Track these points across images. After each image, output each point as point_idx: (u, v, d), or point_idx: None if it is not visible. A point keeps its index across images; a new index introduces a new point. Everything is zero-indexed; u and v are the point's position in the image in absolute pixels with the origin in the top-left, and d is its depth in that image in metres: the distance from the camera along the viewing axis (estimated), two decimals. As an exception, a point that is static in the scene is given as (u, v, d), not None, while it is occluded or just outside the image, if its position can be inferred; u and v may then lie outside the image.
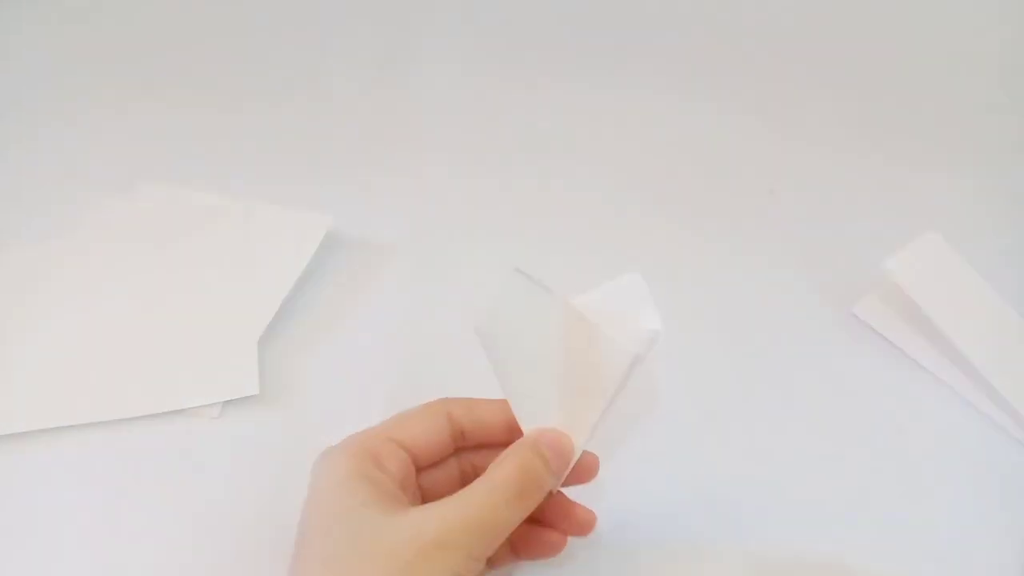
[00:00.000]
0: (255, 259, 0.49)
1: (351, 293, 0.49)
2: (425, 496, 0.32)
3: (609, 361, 0.29)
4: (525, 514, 0.29)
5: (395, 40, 0.70)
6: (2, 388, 0.43)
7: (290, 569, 0.28)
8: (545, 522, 0.33)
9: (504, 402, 0.31)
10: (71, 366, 0.44)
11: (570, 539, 0.34)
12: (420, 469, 0.32)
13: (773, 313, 0.50)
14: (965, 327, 0.46)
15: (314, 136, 0.60)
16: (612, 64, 0.69)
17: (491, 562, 0.32)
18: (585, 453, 0.31)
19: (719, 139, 0.62)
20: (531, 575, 0.36)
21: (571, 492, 0.34)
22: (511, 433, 0.31)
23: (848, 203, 0.57)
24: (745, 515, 0.40)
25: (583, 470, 0.32)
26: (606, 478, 0.34)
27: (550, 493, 0.31)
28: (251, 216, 0.52)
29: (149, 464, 0.41)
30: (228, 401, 0.43)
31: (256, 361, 0.44)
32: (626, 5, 0.75)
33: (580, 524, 0.33)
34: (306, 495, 0.30)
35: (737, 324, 0.49)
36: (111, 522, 0.38)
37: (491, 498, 0.28)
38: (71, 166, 0.56)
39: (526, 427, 0.30)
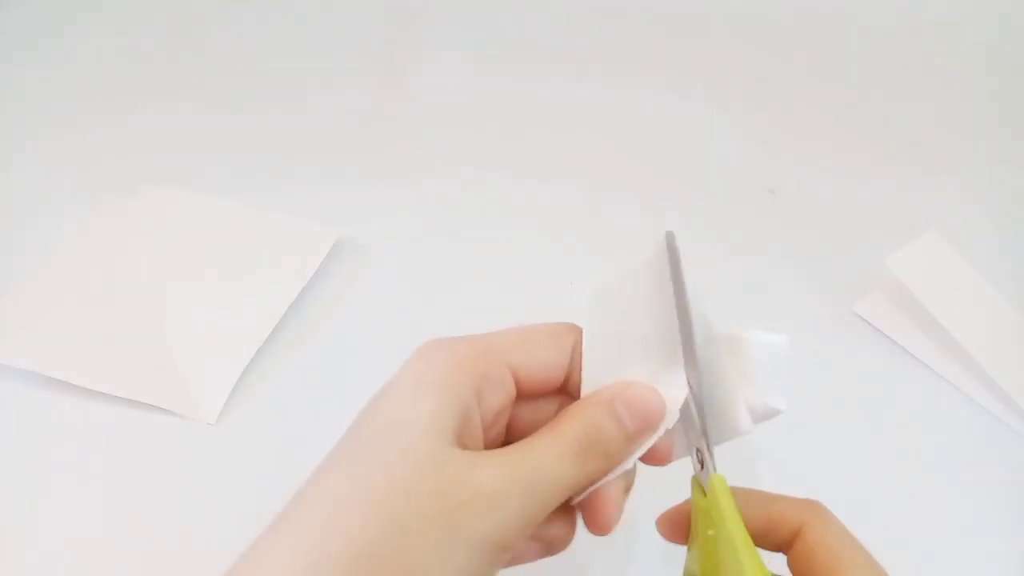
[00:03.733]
0: (262, 268, 0.49)
1: (354, 303, 0.49)
2: (512, 428, 0.28)
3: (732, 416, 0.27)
4: (587, 477, 0.25)
5: (398, 47, 0.70)
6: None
7: (332, 449, 0.25)
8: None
9: None
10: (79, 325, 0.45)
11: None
12: (520, 398, 0.27)
13: (774, 312, 0.49)
14: (966, 324, 0.46)
15: (315, 142, 0.60)
16: (612, 66, 0.69)
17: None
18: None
19: (719, 139, 0.62)
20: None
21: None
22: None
23: (848, 202, 0.57)
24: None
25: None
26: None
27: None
28: (259, 224, 0.51)
29: (146, 465, 0.40)
30: (225, 406, 0.42)
31: (229, 392, 0.43)
32: (625, 6, 0.75)
33: (600, 521, 0.27)
34: (389, 379, 0.26)
35: (738, 323, 0.48)
36: (106, 519, 0.38)
37: (553, 454, 0.24)
38: (79, 167, 0.56)
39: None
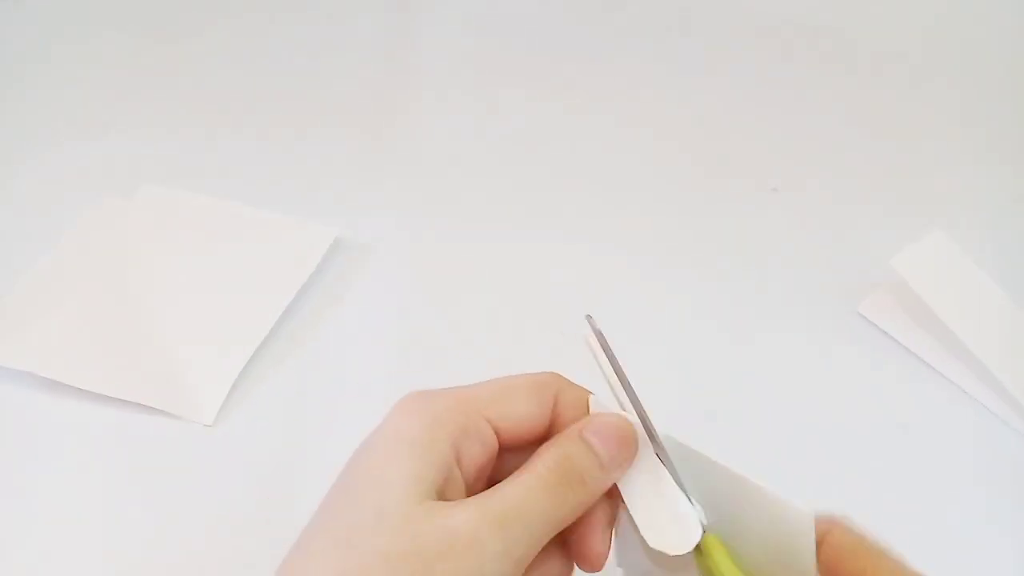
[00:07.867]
0: (260, 267, 0.48)
1: (352, 302, 0.48)
2: (498, 479, 0.27)
3: None
4: (568, 509, 0.25)
5: (398, 44, 0.69)
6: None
7: (320, 505, 0.25)
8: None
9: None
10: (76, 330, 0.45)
11: None
12: (503, 450, 0.27)
13: (778, 312, 0.49)
14: (971, 324, 0.46)
15: (314, 141, 0.59)
16: (613, 62, 0.68)
17: None
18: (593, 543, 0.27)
19: (722, 137, 0.62)
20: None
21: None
22: None
23: (852, 202, 0.57)
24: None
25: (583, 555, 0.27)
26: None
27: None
28: (257, 224, 0.51)
29: (143, 466, 0.40)
30: (222, 408, 0.42)
31: (226, 393, 0.43)
32: (628, 1, 0.74)
33: (589, 557, 0.27)
34: (370, 433, 0.26)
35: (741, 323, 0.48)
36: (103, 520, 0.38)
37: (526, 488, 0.24)
38: (78, 168, 0.56)
39: None
